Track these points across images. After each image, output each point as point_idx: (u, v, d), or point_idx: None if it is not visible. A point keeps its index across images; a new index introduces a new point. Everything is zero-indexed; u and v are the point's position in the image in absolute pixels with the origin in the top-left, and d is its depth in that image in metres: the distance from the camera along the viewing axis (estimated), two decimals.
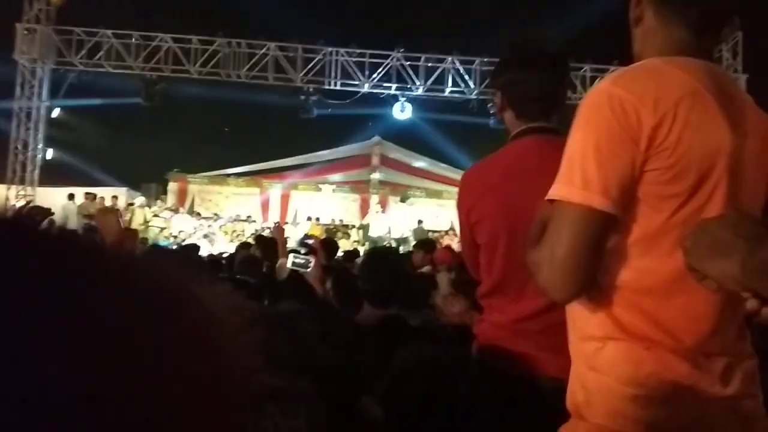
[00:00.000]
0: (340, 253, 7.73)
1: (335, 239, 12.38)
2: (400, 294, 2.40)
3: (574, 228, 1.11)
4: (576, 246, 1.10)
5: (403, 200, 15.62)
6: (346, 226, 16.62)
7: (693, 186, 1.11)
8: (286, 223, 16.25)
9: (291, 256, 2.84)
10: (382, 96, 14.65)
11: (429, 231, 15.43)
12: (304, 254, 2.83)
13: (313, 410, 0.47)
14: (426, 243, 6.57)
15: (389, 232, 14.79)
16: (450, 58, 14.22)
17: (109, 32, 13.59)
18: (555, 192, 1.15)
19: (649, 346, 1.13)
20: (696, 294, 1.07)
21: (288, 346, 0.48)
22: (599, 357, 1.17)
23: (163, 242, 13.34)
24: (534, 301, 1.66)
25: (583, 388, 1.19)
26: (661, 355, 1.13)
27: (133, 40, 13.72)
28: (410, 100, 14.53)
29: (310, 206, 17.65)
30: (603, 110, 1.11)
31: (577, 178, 1.11)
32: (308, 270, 2.77)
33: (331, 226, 16.26)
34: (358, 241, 14.77)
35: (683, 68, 1.15)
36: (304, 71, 14.15)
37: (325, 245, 6.21)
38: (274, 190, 18.17)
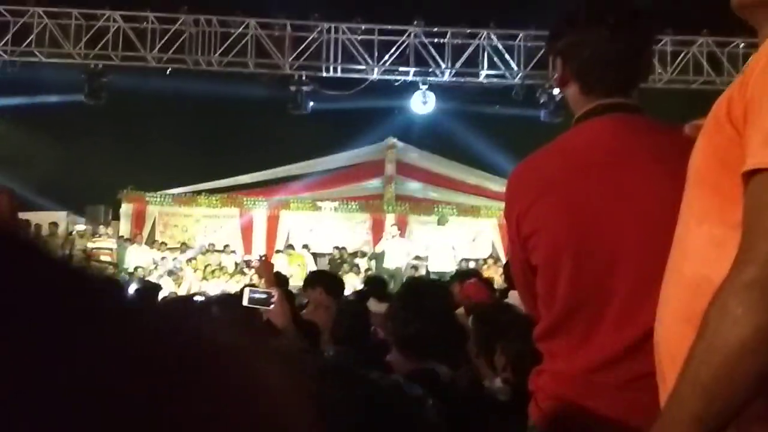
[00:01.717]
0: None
1: (339, 274, 12.37)
2: (442, 344, 2.42)
3: None
4: None
5: (441, 222, 15.58)
6: (354, 254, 16.62)
7: None
8: (279, 251, 16.32)
9: (247, 290, 2.95)
10: (396, 84, 14.73)
11: (462, 259, 15.37)
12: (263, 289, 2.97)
13: None
14: (465, 274, 6.51)
15: (424, 261, 14.66)
16: (485, 33, 14.26)
17: (41, 10, 13.79)
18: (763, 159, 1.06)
19: None
20: None
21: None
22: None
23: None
24: (610, 341, 1.62)
25: None
26: None
27: (73, 20, 13.90)
28: (434, 88, 14.59)
29: (306, 231, 17.67)
30: None
31: None
32: (270, 308, 2.87)
33: (335, 256, 16.26)
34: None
35: None
36: (294, 55, 14.26)
37: (329, 283, 6.15)
38: (259, 210, 18.26)
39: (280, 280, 7.36)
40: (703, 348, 1.06)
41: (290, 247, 16.65)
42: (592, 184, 1.67)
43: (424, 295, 2.64)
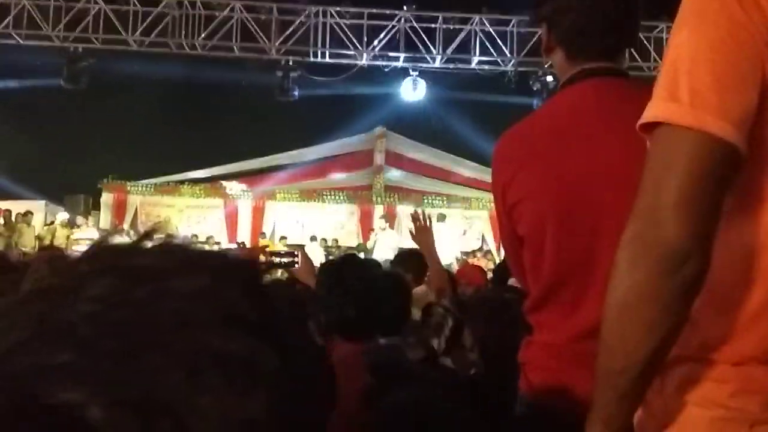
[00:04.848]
0: None
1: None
2: (386, 316, 2.38)
3: (684, 163, 1.02)
4: (689, 187, 1.01)
5: (440, 219, 15.84)
6: (340, 248, 16.63)
7: None
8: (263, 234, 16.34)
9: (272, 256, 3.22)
10: (386, 70, 14.69)
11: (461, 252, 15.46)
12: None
13: (277, 390, 0.44)
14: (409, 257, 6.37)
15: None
16: (477, 18, 14.25)
17: None
18: (650, 113, 1.08)
19: (738, 360, 1.11)
20: None
21: (250, 304, 0.46)
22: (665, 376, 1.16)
23: None
24: (597, 311, 1.59)
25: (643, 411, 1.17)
26: (750, 369, 1.11)
27: (52, 0, 13.79)
28: (424, 75, 14.56)
29: (293, 222, 17.64)
30: None
31: (684, 92, 1.04)
32: (297, 267, 3.16)
33: (323, 248, 16.25)
34: None
35: None
36: (281, 39, 14.21)
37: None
38: (244, 200, 18.21)
39: None
40: (605, 303, 1.10)
41: (263, 235, 16.69)
42: (576, 151, 1.67)
43: (347, 273, 2.61)
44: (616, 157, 1.62)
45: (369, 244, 16.03)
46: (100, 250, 0.48)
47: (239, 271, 0.48)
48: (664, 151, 1.06)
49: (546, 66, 13.29)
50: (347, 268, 2.57)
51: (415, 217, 4.05)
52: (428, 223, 4.04)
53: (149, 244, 0.47)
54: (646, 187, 1.07)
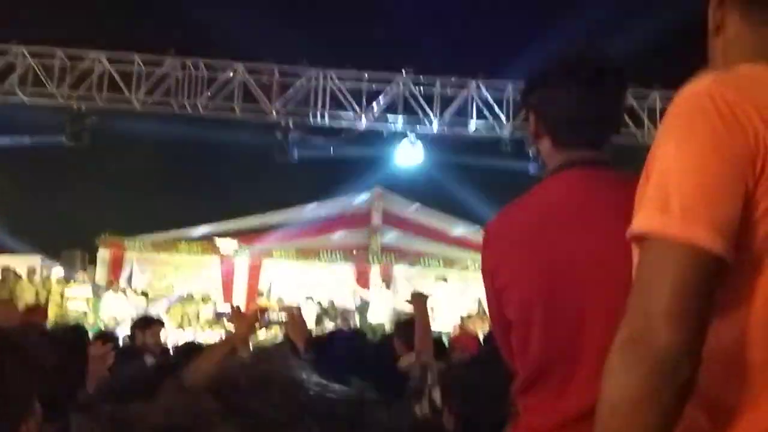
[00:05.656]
0: None
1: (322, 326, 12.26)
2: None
3: (675, 273, 1.08)
4: (680, 296, 1.07)
5: (443, 279, 15.88)
6: (336, 309, 16.55)
7: None
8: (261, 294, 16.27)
9: (265, 315, 3.44)
10: (384, 133, 14.80)
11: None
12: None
13: None
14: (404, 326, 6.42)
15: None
16: (474, 83, 14.43)
17: (24, 49, 13.87)
18: (642, 224, 1.15)
19: None
20: None
21: None
22: None
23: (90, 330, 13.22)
24: (585, 394, 1.62)
25: None
26: None
27: (57, 59, 13.98)
28: (421, 138, 14.68)
29: (289, 280, 17.57)
30: (707, 114, 1.13)
31: (675, 204, 1.10)
32: (290, 325, 3.41)
33: (320, 308, 16.16)
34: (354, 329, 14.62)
35: None
36: (282, 101, 14.37)
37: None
38: (241, 258, 18.16)
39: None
40: (599, 404, 1.12)
41: (260, 294, 16.69)
42: (562, 240, 1.71)
43: (335, 347, 2.66)
44: (601, 247, 1.66)
45: (364, 297, 15.99)
46: (218, 386, 0.50)
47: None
48: (655, 260, 1.11)
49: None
50: (335, 341, 2.61)
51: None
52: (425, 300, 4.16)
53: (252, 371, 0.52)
54: (637, 293, 1.12)
